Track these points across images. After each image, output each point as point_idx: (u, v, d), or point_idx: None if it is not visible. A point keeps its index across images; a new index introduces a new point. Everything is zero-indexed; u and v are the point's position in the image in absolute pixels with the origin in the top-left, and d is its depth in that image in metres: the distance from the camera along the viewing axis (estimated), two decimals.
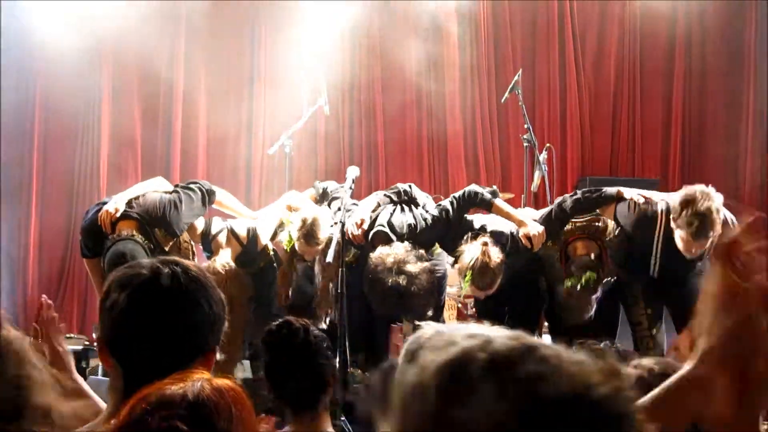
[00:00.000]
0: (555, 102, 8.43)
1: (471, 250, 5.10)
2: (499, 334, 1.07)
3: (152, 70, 8.41)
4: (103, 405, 2.74)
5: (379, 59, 8.31)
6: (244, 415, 1.62)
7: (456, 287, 6.70)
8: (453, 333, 1.09)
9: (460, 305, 6.93)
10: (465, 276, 5.13)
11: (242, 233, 5.71)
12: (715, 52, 8.27)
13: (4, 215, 8.21)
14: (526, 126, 6.45)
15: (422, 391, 1.04)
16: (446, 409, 1.02)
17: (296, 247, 5.48)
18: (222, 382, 1.64)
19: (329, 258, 4.98)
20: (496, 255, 5.06)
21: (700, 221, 4.73)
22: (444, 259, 5.76)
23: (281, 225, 5.79)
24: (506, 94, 6.47)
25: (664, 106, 8.50)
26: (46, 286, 8.50)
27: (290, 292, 5.82)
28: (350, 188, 5.33)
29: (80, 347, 6.98)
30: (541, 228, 5.28)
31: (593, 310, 5.25)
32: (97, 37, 8.21)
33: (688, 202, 4.78)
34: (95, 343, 6.79)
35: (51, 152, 8.57)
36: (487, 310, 5.60)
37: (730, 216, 4.83)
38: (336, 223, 5.15)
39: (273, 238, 5.83)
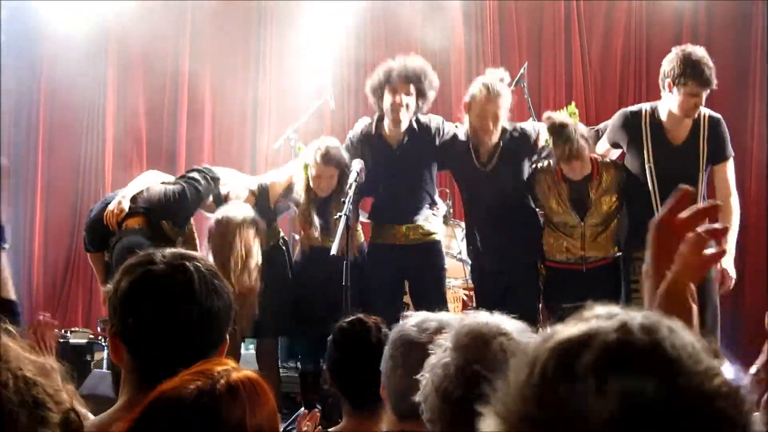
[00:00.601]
0: (561, 96, 8.39)
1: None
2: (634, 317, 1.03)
3: (158, 62, 8.42)
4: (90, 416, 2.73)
5: (384, 54, 8.28)
6: (262, 409, 1.60)
7: (461, 279, 6.70)
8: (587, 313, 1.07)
9: (465, 297, 6.92)
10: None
11: (253, 187, 5.76)
12: (722, 47, 8.22)
13: (9, 209, 8.22)
14: (531, 120, 6.43)
15: (532, 367, 1.01)
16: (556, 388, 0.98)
17: (312, 174, 5.59)
18: (241, 374, 1.61)
19: (334, 250, 4.97)
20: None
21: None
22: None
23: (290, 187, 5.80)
24: (511, 87, 6.45)
25: None
26: (51, 280, 8.51)
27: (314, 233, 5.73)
28: (355, 181, 5.31)
29: (85, 341, 7.00)
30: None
31: None
32: (102, 28, 8.22)
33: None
34: (100, 337, 6.83)
35: (56, 144, 8.59)
36: (486, 293, 5.63)
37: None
38: (340, 216, 5.13)
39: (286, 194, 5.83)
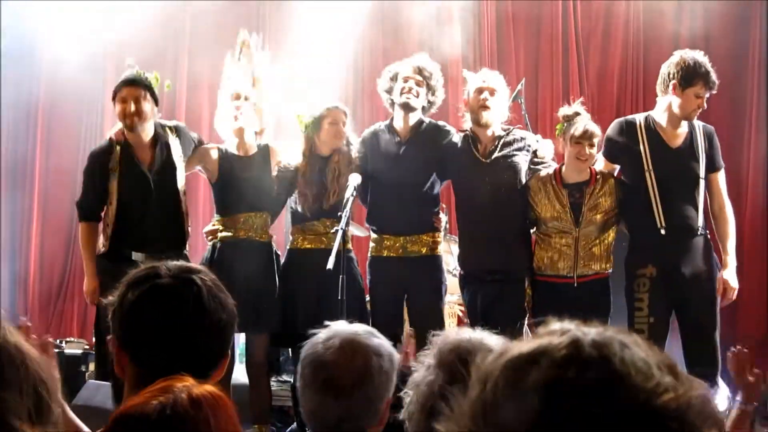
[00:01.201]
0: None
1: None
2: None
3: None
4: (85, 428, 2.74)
5: (381, 64, 8.29)
6: (225, 422, 1.61)
7: (456, 295, 6.70)
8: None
9: (460, 313, 6.93)
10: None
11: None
12: (719, 59, 8.26)
13: (6, 219, 8.23)
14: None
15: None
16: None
17: (325, 123, 5.64)
18: (203, 390, 1.63)
19: (329, 265, 4.96)
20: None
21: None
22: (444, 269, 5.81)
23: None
24: (509, 103, 6.49)
25: None
26: (47, 290, 8.51)
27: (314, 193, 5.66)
28: (352, 195, 5.32)
29: (80, 351, 7.00)
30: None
31: None
32: (99, 43, 8.23)
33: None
34: (93, 348, 6.82)
35: (54, 157, 8.60)
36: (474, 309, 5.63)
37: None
38: (336, 230, 5.14)
39: None
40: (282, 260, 5.80)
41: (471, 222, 5.65)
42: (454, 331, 2.20)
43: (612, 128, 5.55)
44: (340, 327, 2.35)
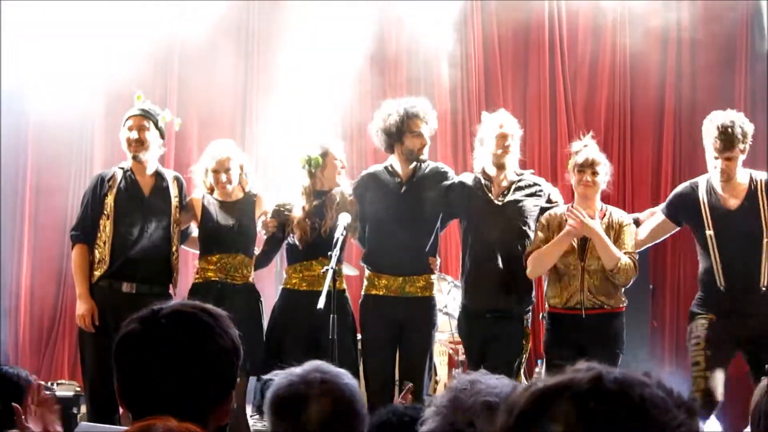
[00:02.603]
0: (546, 147, 8.49)
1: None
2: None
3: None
4: None
5: (370, 94, 8.33)
6: None
7: (447, 333, 6.72)
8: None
9: (450, 351, 6.94)
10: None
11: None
12: (706, 93, 8.33)
13: None
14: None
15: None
16: None
17: (332, 155, 5.77)
18: (181, 426, 1.64)
19: (320, 305, 4.99)
20: None
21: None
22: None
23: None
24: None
25: (654, 152, 8.55)
26: (38, 331, 8.48)
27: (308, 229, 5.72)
28: (342, 235, 5.36)
29: (71, 393, 6.96)
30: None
31: None
32: (88, 88, 8.24)
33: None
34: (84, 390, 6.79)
35: (43, 195, 8.59)
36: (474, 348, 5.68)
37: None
38: (327, 270, 5.18)
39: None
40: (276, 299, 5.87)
41: (480, 262, 5.70)
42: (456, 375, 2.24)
43: (673, 197, 5.64)
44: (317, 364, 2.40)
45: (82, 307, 5.60)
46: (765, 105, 7.69)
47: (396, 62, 8.63)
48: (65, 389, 7.04)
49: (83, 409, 6.72)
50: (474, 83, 8.58)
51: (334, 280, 5.17)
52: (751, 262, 5.34)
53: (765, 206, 5.39)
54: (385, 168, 5.86)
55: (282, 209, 5.82)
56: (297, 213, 5.73)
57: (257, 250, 6.00)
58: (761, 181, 5.41)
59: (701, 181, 5.50)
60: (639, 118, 8.58)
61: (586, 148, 5.59)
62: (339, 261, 5.47)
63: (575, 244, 5.46)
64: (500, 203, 5.64)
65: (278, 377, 2.43)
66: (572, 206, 5.49)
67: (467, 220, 5.81)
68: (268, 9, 8.72)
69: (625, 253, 5.40)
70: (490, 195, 5.66)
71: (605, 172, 5.56)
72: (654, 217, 5.71)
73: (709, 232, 5.35)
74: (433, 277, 5.81)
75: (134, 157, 5.80)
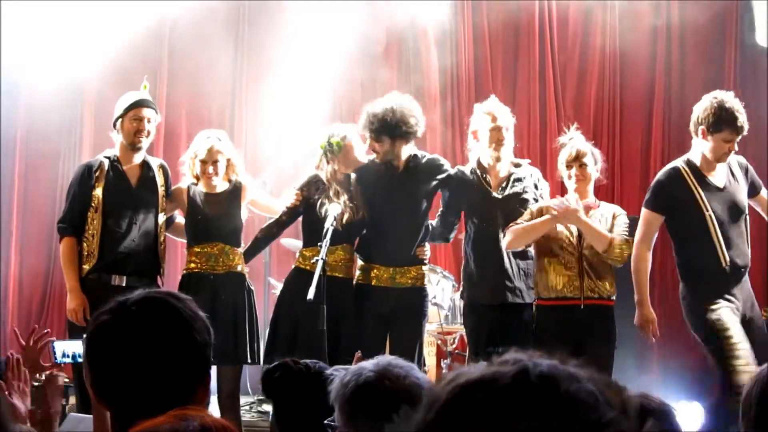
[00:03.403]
0: (535, 141, 8.50)
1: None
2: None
3: None
4: None
5: (360, 98, 8.34)
6: None
7: (435, 324, 6.73)
8: None
9: (439, 342, 6.96)
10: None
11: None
12: (695, 88, 8.36)
13: None
14: None
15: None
16: None
17: (345, 159, 5.70)
18: (215, 419, 1.64)
19: (310, 295, 4.99)
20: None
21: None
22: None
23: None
24: None
25: (643, 144, 8.57)
26: (26, 318, 8.47)
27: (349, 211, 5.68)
28: (332, 225, 5.36)
29: (60, 384, 6.93)
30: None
31: None
32: (77, 78, 8.23)
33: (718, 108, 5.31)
34: (72, 381, 6.78)
35: (31, 192, 8.58)
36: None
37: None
38: (317, 260, 5.18)
39: None
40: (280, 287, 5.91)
41: (484, 254, 5.71)
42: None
43: (656, 186, 5.59)
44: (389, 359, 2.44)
45: (73, 302, 5.57)
46: (754, 98, 7.71)
47: (387, 54, 8.63)
48: None
49: (72, 400, 6.71)
50: (464, 79, 8.58)
51: (324, 270, 5.17)
52: (742, 239, 5.40)
53: (743, 180, 5.48)
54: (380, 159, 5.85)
55: (316, 181, 5.78)
56: (335, 197, 5.68)
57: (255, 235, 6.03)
58: (733, 159, 5.50)
59: (679, 165, 5.50)
60: (628, 110, 8.61)
61: (572, 141, 5.59)
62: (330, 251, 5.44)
63: (572, 239, 5.47)
64: (500, 197, 5.66)
65: (345, 372, 2.43)
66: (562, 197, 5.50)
67: (471, 213, 5.82)
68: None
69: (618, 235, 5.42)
70: (489, 188, 5.67)
71: (594, 161, 5.56)
72: (642, 221, 5.61)
73: (709, 213, 5.35)
74: (424, 268, 5.81)
75: (134, 147, 5.74)
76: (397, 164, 5.77)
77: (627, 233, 5.48)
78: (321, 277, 5.11)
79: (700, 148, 5.45)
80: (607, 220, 5.51)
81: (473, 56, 8.65)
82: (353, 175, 5.77)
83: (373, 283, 5.72)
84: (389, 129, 5.61)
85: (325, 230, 5.31)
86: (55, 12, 8.10)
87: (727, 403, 4.85)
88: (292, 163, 7.20)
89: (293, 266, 5.88)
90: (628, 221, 5.56)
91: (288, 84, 8.17)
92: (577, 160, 5.48)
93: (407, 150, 5.76)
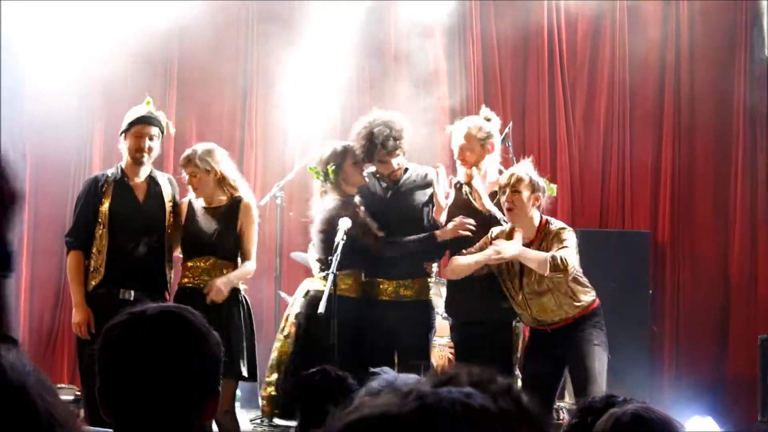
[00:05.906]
0: (545, 154, 8.48)
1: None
2: None
3: None
4: None
5: (370, 101, 8.34)
6: None
7: (446, 338, 6.71)
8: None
9: (450, 356, 6.93)
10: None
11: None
12: (705, 102, 8.36)
13: None
14: None
15: None
16: None
17: (346, 180, 5.61)
18: None
19: (321, 309, 4.99)
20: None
21: None
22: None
23: None
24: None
25: (653, 158, 8.56)
26: (37, 335, 8.48)
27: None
28: (342, 239, 5.34)
29: (71, 397, 6.97)
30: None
31: None
32: (88, 88, 8.25)
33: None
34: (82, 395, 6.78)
35: (42, 197, 8.59)
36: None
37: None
38: (327, 275, 5.17)
39: None
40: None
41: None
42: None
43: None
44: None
45: (77, 316, 5.58)
46: (764, 107, 7.72)
47: (395, 63, 8.63)
48: (65, 393, 7.05)
49: (81, 413, 6.71)
50: (473, 93, 8.58)
51: (335, 284, 5.16)
52: None
53: None
54: (372, 173, 5.81)
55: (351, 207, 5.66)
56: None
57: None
58: None
59: None
60: (638, 122, 8.60)
61: (515, 166, 5.50)
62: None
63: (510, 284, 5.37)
64: (485, 215, 5.52)
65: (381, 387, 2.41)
66: (495, 240, 5.35)
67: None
68: (268, 6, 8.70)
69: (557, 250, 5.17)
70: (474, 204, 5.58)
71: (531, 191, 5.27)
72: None
73: None
74: (430, 280, 5.79)
75: (137, 164, 5.72)
76: (396, 177, 5.76)
77: (573, 244, 5.25)
78: (331, 292, 5.10)
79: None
80: (551, 234, 5.29)
81: (482, 72, 8.66)
82: (357, 198, 5.70)
83: (376, 298, 5.70)
84: (398, 142, 5.61)
85: (335, 244, 5.29)
86: (65, 21, 8.10)
87: None
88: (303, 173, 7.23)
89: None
90: (574, 237, 5.35)
91: (296, 93, 8.19)
92: (510, 185, 5.25)
93: (403, 162, 5.76)
